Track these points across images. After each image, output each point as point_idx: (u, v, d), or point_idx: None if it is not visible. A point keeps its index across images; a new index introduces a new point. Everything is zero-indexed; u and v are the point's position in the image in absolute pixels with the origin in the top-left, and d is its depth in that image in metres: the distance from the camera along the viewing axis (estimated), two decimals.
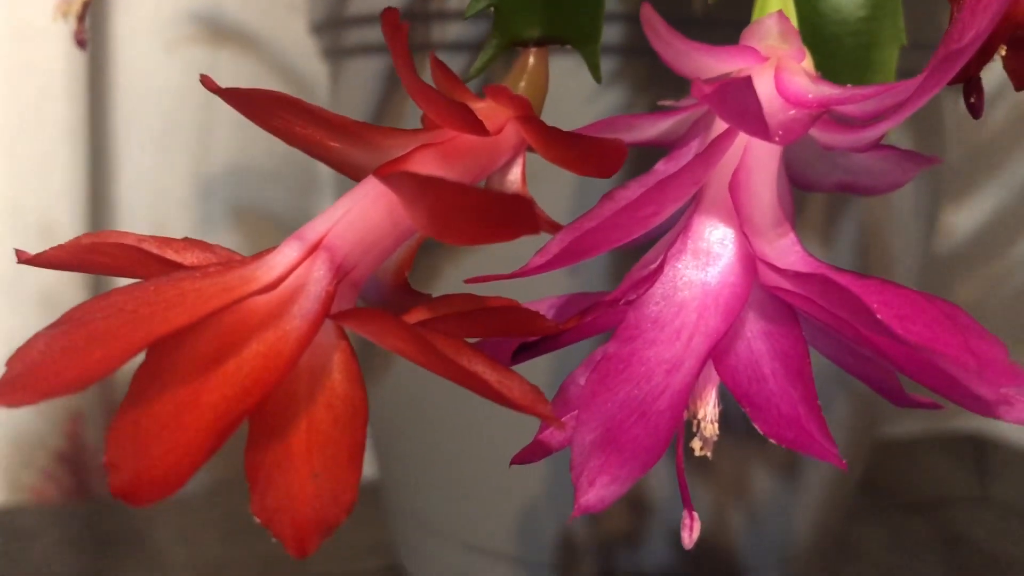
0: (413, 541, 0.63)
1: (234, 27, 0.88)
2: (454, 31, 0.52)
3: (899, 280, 0.59)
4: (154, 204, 0.86)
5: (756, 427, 0.24)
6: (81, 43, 0.45)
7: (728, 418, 0.54)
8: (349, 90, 0.59)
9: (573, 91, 0.49)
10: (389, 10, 0.25)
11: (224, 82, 0.83)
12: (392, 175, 0.23)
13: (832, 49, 0.36)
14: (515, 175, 0.29)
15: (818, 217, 0.54)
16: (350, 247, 0.25)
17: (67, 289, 0.80)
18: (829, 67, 0.37)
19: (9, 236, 0.80)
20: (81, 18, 0.44)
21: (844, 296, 0.23)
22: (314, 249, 0.24)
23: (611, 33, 0.48)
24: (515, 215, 0.20)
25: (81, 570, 0.64)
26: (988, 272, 0.97)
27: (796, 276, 0.24)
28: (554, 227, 0.28)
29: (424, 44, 0.54)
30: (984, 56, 0.28)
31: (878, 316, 0.22)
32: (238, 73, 0.88)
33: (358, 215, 0.25)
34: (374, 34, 0.56)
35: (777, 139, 0.23)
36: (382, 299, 0.28)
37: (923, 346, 0.21)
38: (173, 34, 0.85)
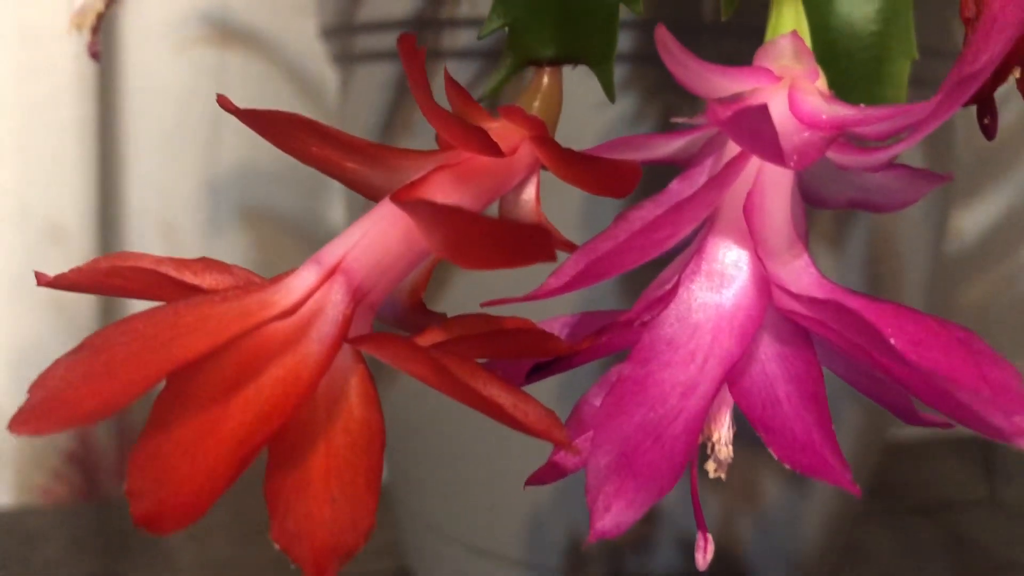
0: (421, 544, 0.64)
1: (242, 29, 0.88)
2: (465, 38, 0.52)
3: (909, 286, 0.59)
4: (163, 204, 0.86)
5: (771, 451, 0.25)
6: (95, 55, 0.45)
7: (735, 423, 0.54)
8: (359, 96, 0.59)
9: (582, 98, 0.49)
10: (406, 35, 0.25)
11: (232, 84, 0.83)
12: (409, 202, 0.23)
13: (844, 64, 0.36)
14: (529, 194, 0.29)
15: (828, 224, 0.54)
16: (367, 270, 0.25)
17: (79, 294, 0.80)
18: (841, 82, 0.37)
19: (19, 236, 0.80)
20: (95, 30, 0.44)
21: (858, 322, 0.23)
22: (332, 273, 0.25)
23: (621, 40, 0.48)
24: (531, 244, 0.20)
25: (91, 571, 0.65)
26: (996, 274, 0.97)
27: (810, 301, 0.24)
28: (569, 247, 0.28)
29: (435, 51, 0.54)
30: (998, 78, 0.28)
31: (892, 343, 0.22)
32: (246, 75, 0.88)
33: (375, 238, 0.25)
34: (384, 41, 0.56)
35: (792, 164, 0.24)
36: (397, 319, 0.28)
37: (938, 374, 0.22)
38: (182, 36, 0.85)
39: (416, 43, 0.25)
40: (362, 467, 0.23)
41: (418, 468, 0.62)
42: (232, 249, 0.87)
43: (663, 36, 0.27)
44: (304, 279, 0.24)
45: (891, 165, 0.30)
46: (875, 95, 0.36)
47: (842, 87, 0.37)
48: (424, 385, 0.23)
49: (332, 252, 0.25)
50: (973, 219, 0.95)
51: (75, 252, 0.81)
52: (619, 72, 0.51)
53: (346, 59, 0.61)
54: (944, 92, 0.25)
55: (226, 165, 0.87)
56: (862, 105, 0.30)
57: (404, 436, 0.62)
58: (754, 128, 0.23)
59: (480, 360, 0.27)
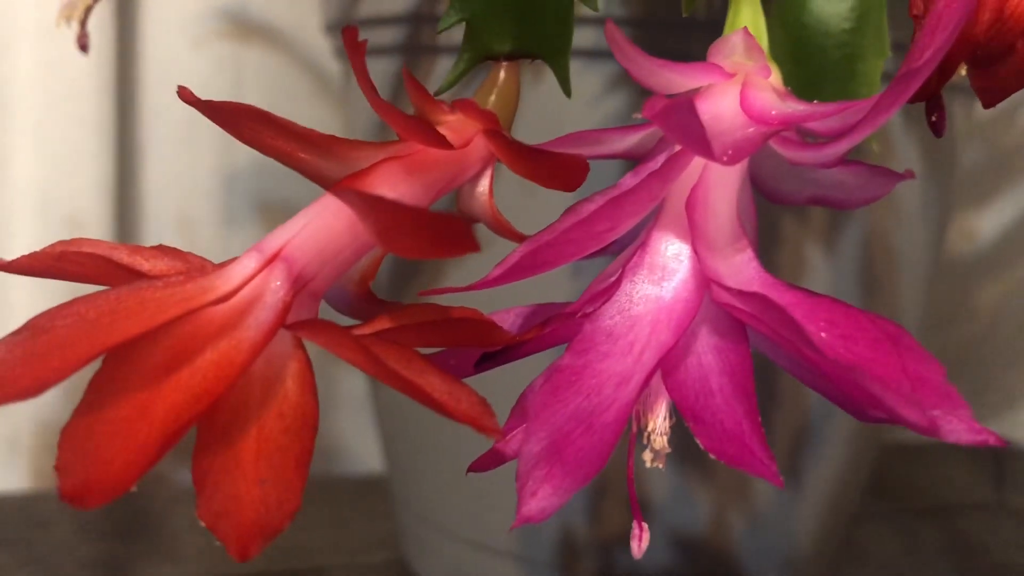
0: (418, 536, 0.64)
1: (259, 23, 0.89)
2: (461, 34, 0.53)
3: (906, 287, 0.59)
4: (180, 197, 0.87)
5: (698, 442, 0.25)
6: (84, 47, 0.46)
7: None
8: (359, 90, 0.60)
9: (577, 94, 0.49)
10: (349, 28, 0.26)
11: (249, 78, 0.84)
12: (343, 191, 0.23)
13: (817, 61, 0.36)
14: (483, 187, 0.30)
15: (822, 224, 0.54)
16: (309, 258, 0.26)
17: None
18: (814, 79, 0.37)
19: (39, 229, 0.81)
20: (84, 23, 0.45)
21: (782, 317, 0.23)
22: (272, 260, 0.25)
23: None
24: (454, 234, 0.20)
25: (99, 557, 0.66)
26: (1012, 276, 0.97)
27: (740, 294, 0.25)
28: (518, 238, 0.29)
29: (432, 47, 0.54)
30: (944, 75, 0.28)
31: (811, 336, 0.22)
32: (263, 68, 0.89)
33: (318, 227, 0.26)
34: (385, 36, 0.57)
35: (725, 159, 0.24)
36: (348, 307, 0.29)
37: (858, 368, 0.22)
38: (199, 30, 0.86)
39: (358, 36, 0.26)
40: (293, 451, 0.24)
41: (415, 460, 0.62)
42: (249, 242, 0.87)
43: (613, 33, 0.27)
44: (244, 266, 0.25)
45: (847, 162, 0.30)
46: (848, 93, 0.36)
47: (815, 85, 0.37)
48: None
49: (274, 240, 0.26)
50: (988, 221, 0.94)
51: None
52: (612, 68, 0.51)
53: (346, 55, 0.61)
54: (888, 88, 0.26)
55: (243, 159, 0.88)
56: (815, 101, 0.30)
57: (401, 428, 0.62)
58: (682, 123, 0.23)
59: (430, 349, 0.27)
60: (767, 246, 0.53)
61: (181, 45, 0.86)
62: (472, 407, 0.23)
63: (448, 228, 0.21)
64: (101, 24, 0.80)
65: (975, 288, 0.97)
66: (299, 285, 0.25)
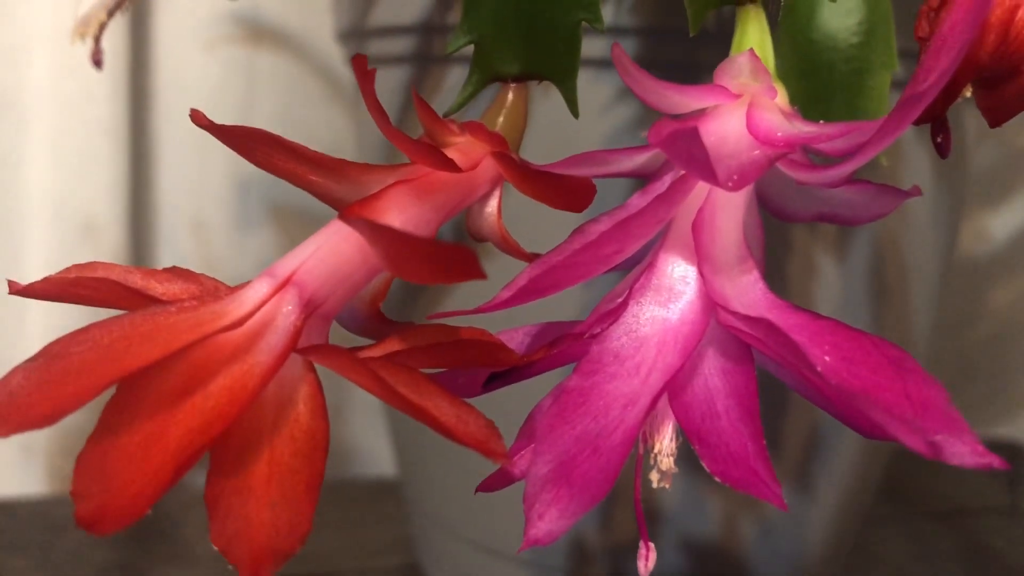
0: (430, 541, 0.65)
1: (272, 28, 0.89)
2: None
3: (917, 293, 0.59)
4: (193, 200, 0.87)
5: (703, 465, 0.25)
6: (98, 63, 0.47)
7: None
8: (345, 107, 0.60)
9: (587, 103, 0.50)
10: (359, 57, 0.26)
11: (261, 82, 0.84)
12: (351, 218, 0.24)
13: (825, 76, 0.37)
14: (492, 207, 0.30)
15: (832, 232, 0.54)
16: (320, 283, 0.26)
17: None
18: (823, 94, 0.37)
19: (54, 232, 0.82)
20: (98, 39, 0.46)
21: (785, 341, 0.23)
22: (284, 285, 0.26)
23: (624, 47, 0.49)
24: (458, 263, 0.21)
25: (115, 561, 0.66)
26: None
27: (745, 318, 0.25)
28: (528, 259, 0.29)
29: (444, 57, 0.54)
30: (950, 97, 0.28)
31: (814, 362, 0.22)
32: (275, 72, 0.89)
33: (329, 251, 0.26)
34: (395, 45, 0.57)
35: (730, 185, 0.24)
36: (359, 328, 0.29)
37: (860, 393, 0.22)
38: (212, 34, 0.87)
39: (368, 64, 0.26)
40: (304, 474, 0.24)
41: (428, 466, 0.63)
42: (261, 245, 0.88)
43: (619, 55, 0.27)
44: (256, 291, 0.25)
45: (854, 181, 0.30)
46: (857, 107, 0.37)
47: (824, 100, 0.37)
48: None
49: (286, 265, 0.26)
50: (1002, 221, 0.94)
51: (107, 248, 0.83)
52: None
53: None
54: (894, 110, 0.26)
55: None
56: (821, 122, 0.30)
57: (415, 434, 0.63)
58: (687, 150, 0.23)
59: (437, 370, 0.28)
60: (778, 254, 0.54)
61: (194, 50, 0.87)
62: (479, 430, 0.24)
63: (454, 257, 0.21)
64: (115, 31, 0.80)
65: (989, 289, 0.97)
66: (310, 309, 0.26)
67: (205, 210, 0.87)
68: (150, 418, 0.23)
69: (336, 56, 0.88)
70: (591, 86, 0.51)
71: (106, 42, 0.80)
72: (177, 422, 0.23)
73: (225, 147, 0.89)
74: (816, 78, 0.36)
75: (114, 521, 0.22)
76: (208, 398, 0.23)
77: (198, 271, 0.28)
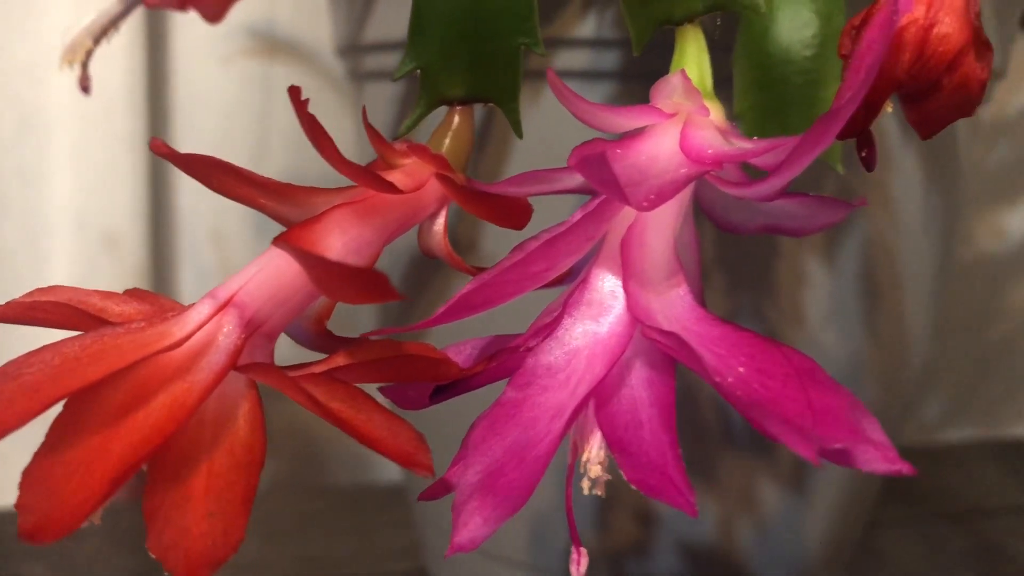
0: (437, 546, 0.66)
1: (288, 41, 0.91)
2: None
3: (912, 296, 0.59)
4: (212, 212, 0.89)
5: (622, 473, 0.26)
6: (85, 89, 0.48)
7: (733, 428, 0.55)
8: (370, 111, 0.61)
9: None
10: (293, 88, 0.27)
11: (277, 95, 0.86)
12: (285, 244, 0.25)
13: (780, 89, 0.37)
14: (439, 225, 0.31)
15: (820, 236, 0.54)
16: (260, 303, 0.27)
17: None
18: (778, 107, 0.38)
19: (76, 245, 0.84)
20: (85, 65, 0.48)
21: (691, 354, 0.24)
22: (224, 306, 0.27)
23: (608, 59, 0.50)
24: (376, 287, 0.22)
25: (132, 567, 0.68)
26: None
27: (658, 331, 0.26)
28: (472, 272, 0.30)
29: None
30: (871, 112, 0.29)
31: (714, 375, 0.23)
32: (291, 83, 0.90)
33: (270, 273, 0.28)
34: (389, 60, 0.58)
35: (645, 205, 0.25)
36: (309, 344, 0.31)
37: (757, 404, 0.23)
38: (228, 48, 0.89)
39: (301, 95, 0.27)
40: (240, 486, 0.26)
41: (436, 473, 0.64)
42: None
43: (554, 80, 0.28)
44: (199, 312, 0.27)
45: (792, 194, 0.31)
46: (812, 119, 0.37)
47: (779, 112, 0.38)
48: None
49: (228, 287, 0.28)
50: (1018, 220, 0.94)
51: (128, 259, 0.85)
52: (607, 89, 0.52)
53: (357, 76, 0.63)
54: (813, 127, 0.27)
55: (273, 174, 0.90)
56: (754, 138, 0.31)
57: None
58: (598, 173, 0.24)
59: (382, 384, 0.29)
60: (766, 258, 0.54)
61: (211, 65, 0.88)
62: (408, 443, 0.25)
63: (371, 281, 0.22)
64: (132, 45, 0.83)
65: (1005, 288, 0.97)
66: (251, 328, 0.27)
67: (224, 221, 0.89)
68: (94, 434, 0.24)
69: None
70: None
71: (124, 59, 0.82)
72: (119, 438, 0.24)
73: (242, 159, 0.91)
74: (772, 91, 0.37)
75: (54, 532, 0.23)
76: (149, 415, 0.25)
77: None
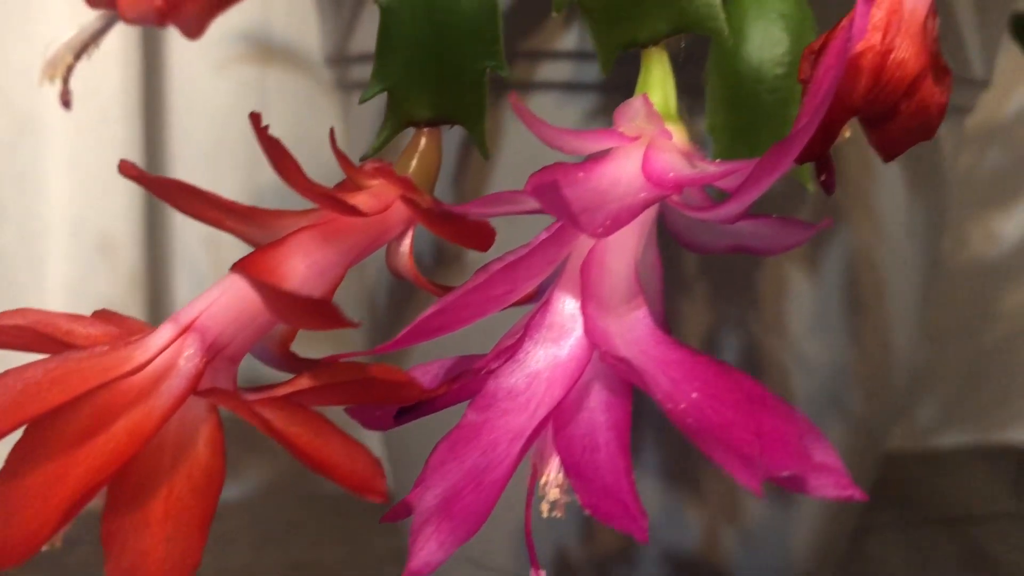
0: None
1: (283, 47, 0.91)
2: None
3: (896, 306, 0.59)
4: None
5: (577, 498, 0.26)
6: (66, 104, 0.49)
7: None
8: (357, 121, 0.62)
9: (559, 125, 0.51)
10: (254, 114, 0.28)
11: (273, 101, 0.86)
12: (238, 270, 0.25)
13: (752, 106, 0.37)
14: (405, 247, 0.32)
15: (804, 247, 0.55)
16: (222, 327, 0.28)
17: (128, 302, 0.85)
18: (749, 126, 0.38)
19: (72, 249, 0.85)
20: (65, 80, 0.48)
21: (642, 379, 0.25)
22: (185, 331, 0.27)
23: (591, 71, 0.50)
24: (324, 316, 0.22)
25: None
26: None
27: (614, 356, 0.26)
28: (437, 292, 0.30)
29: None
30: (828, 137, 0.29)
31: (664, 401, 0.23)
32: (286, 92, 0.91)
33: (231, 298, 0.28)
34: None
35: (600, 232, 0.25)
36: (275, 365, 0.31)
37: (712, 430, 0.23)
38: (223, 54, 0.89)
39: (261, 121, 0.28)
40: (198, 510, 0.26)
41: None
42: None
43: (517, 105, 0.28)
44: (160, 336, 0.27)
45: (755, 216, 0.31)
46: (782, 137, 0.37)
47: (751, 131, 0.38)
48: None
49: (189, 311, 0.28)
50: (1012, 224, 0.94)
51: (123, 264, 0.86)
52: (589, 101, 0.52)
53: (344, 86, 0.64)
54: (770, 151, 0.27)
55: (268, 180, 0.91)
56: (717, 161, 0.31)
57: (406, 452, 0.64)
58: (552, 201, 0.24)
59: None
60: (748, 268, 0.54)
61: (206, 70, 0.89)
62: (365, 468, 0.25)
63: (322, 311, 0.23)
64: (127, 51, 0.83)
65: (998, 292, 0.97)
66: (213, 353, 0.27)
67: None
68: (54, 459, 0.25)
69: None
70: (560, 109, 0.52)
71: (121, 66, 0.83)
72: (78, 463, 0.25)
73: (236, 163, 0.91)
74: (743, 109, 0.37)
75: (13, 557, 0.23)
76: (109, 440, 0.25)
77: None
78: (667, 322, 0.32)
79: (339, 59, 0.62)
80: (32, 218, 0.84)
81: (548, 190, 0.24)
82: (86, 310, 0.86)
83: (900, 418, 0.93)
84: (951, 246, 0.94)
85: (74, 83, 0.83)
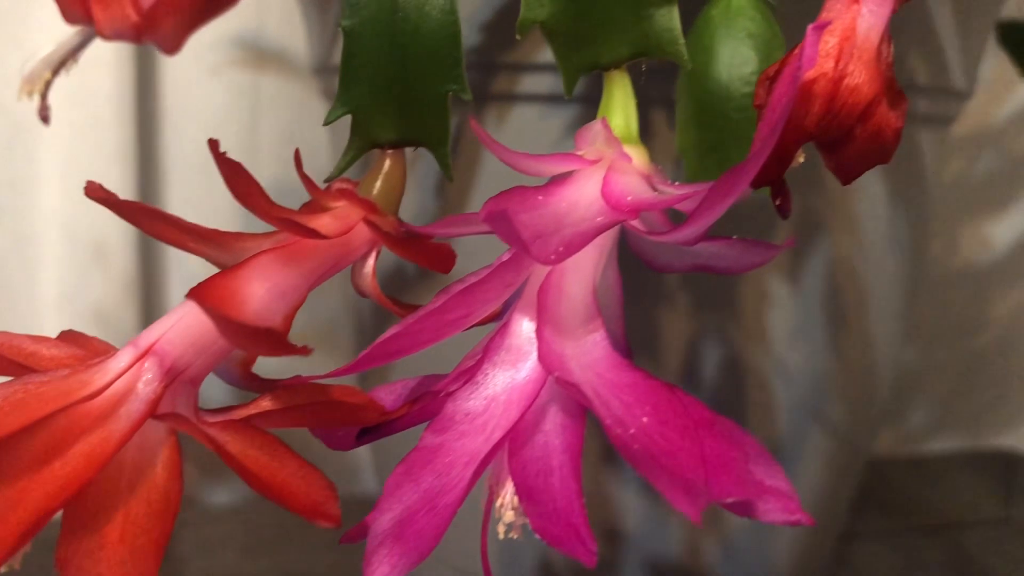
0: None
1: (276, 52, 0.91)
2: None
3: (879, 311, 0.59)
4: (200, 222, 0.90)
5: (525, 521, 0.26)
6: (45, 119, 0.49)
7: None
8: (344, 131, 0.62)
9: (538, 138, 0.51)
10: (212, 140, 0.28)
11: (266, 106, 0.87)
12: (193, 296, 0.26)
13: (720, 126, 0.38)
14: (368, 268, 0.32)
15: (783, 256, 0.55)
16: (181, 351, 0.28)
17: (121, 307, 0.85)
18: (718, 144, 0.38)
19: (65, 255, 0.85)
20: (44, 95, 0.48)
21: (592, 404, 0.25)
22: (144, 354, 0.28)
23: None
24: (269, 343, 0.23)
25: None
26: None
27: (565, 381, 0.26)
28: (400, 313, 0.31)
29: None
30: (783, 162, 0.29)
31: (617, 428, 0.24)
32: (280, 97, 0.91)
33: (190, 321, 0.28)
34: None
35: (552, 258, 0.25)
36: (239, 386, 0.31)
37: (641, 458, 0.23)
38: (217, 58, 0.89)
39: (219, 147, 0.28)
40: (155, 533, 0.26)
41: None
42: None
43: (477, 130, 0.29)
44: (119, 360, 0.27)
45: (717, 237, 0.31)
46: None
47: (719, 149, 0.39)
48: None
49: (149, 335, 0.28)
50: (1003, 230, 0.94)
51: (117, 268, 0.86)
52: (572, 113, 0.53)
53: (331, 96, 0.64)
54: (724, 176, 0.27)
55: (261, 183, 0.91)
56: (676, 184, 0.31)
57: (392, 456, 0.65)
58: (503, 230, 0.25)
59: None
60: (730, 279, 0.55)
61: (200, 75, 0.89)
62: (319, 492, 0.26)
63: (269, 338, 0.23)
64: (120, 55, 0.83)
65: (990, 298, 0.97)
66: (172, 376, 0.28)
67: None
68: (10, 484, 0.25)
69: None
70: (541, 121, 0.53)
71: (115, 69, 0.83)
72: (35, 487, 0.25)
73: None
74: (712, 128, 0.38)
75: None
76: (66, 464, 0.25)
77: None
78: (628, 341, 0.33)
79: (324, 69, 0.63)
80: (25, 223, 0.85)
81: (499, 218, 0.24)
82: (80, 316, 0.86)
83: (883, 426, 0.93)
84: (942, 251, 0.94)
85: (66, 86, 0.84)
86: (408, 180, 0.54)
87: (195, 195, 0.90)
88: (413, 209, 0.56)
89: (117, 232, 0.86)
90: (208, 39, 0.88)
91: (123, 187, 0.85)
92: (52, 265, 0.85)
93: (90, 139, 0.85)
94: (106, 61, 0.83)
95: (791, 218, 0.55)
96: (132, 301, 0.86)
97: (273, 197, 0.89)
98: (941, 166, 0.62)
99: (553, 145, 0.53)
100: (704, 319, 0.55)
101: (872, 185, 0.56)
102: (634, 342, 0.54)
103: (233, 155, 0.94)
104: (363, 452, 0.91)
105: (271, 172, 0.90)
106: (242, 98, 0.90)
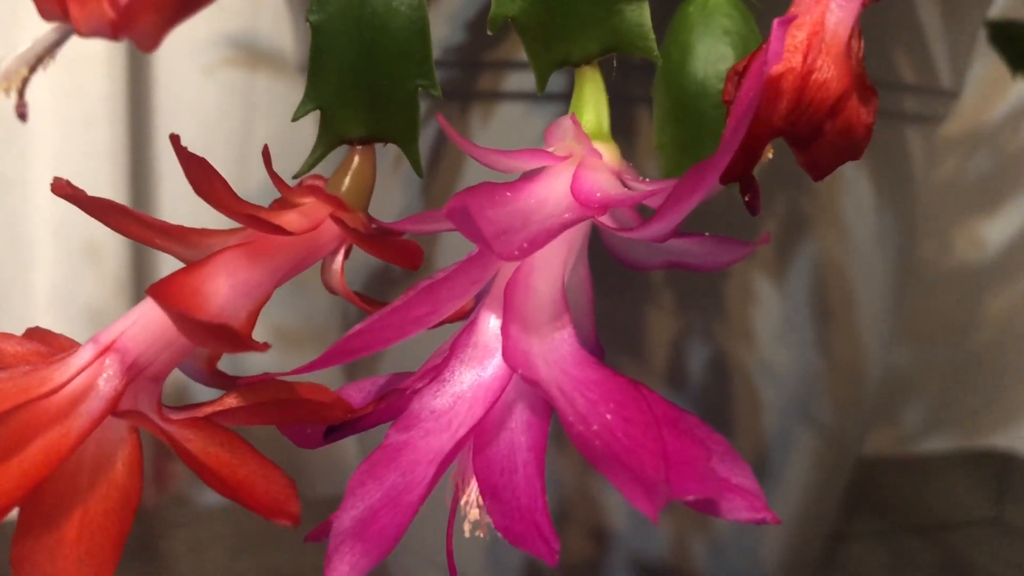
0: (398, 560, 0.66)
1: (270, 50, 0.91)
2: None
3: (866, 310, 0.59)
4: (193, 221, 0.89)
5: (490, 519, 0.26)
6: (22, 116, 0.49)
7: None
8: None
9: (524, 135, 0.51)
10: (173, 135, 0.28)
11: (260, 104, 0.86)
12: (151, 292, 0.25)
13: (696, 122, 0.37)
14: (337, 264, 0.32)
15: (769, 255, 0.55)
16: (142, 348, 0.28)
17: (114, 306, 0.85)
18: (694, 140, 0.38)
19: (57, 254, 0.85)
20: (21, 93, 0.48)
21: (556, 402, 0.25)
22: (105, 351, 0.27)
23: (558, 81, 0.50)
24: (227, 340, 0.22)
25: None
26: (1020, 285, 0.95)
27: (530, 380, 0.26)
28: (368, 309, 0.30)
29: None
30: (750, 158, 0.29)
31: (579, 426, 0.23)
32: (273, 94, 0.91)
33: (152, 319, 0.28)
34: None
35: (516, 254, 0.25)
36: (205, 383, 0.31)
37: (616, 455, 0.23)
38: (210, 58, 0.89)
39: (180, 143, 0.28)
40: (113, 531, 0.26)
41: None
42: None
43: (445, 126, 0.28)
44: (80, 357, 0.27)
45: (688, 234, 0.31)
46: None
47: (696, 145, 0.38)
48: None
49: (110, 332, 0.28)
50: (996, 229, 0.93)
51: (109, 268, 0.86)
52: (556, 110, 0.52)
53: None
54: (689, 172, 0.27)
55: (255, 184, 0.91)
56: (645, 180, 0.31)
57: None
58: (465, 227, 0.24)
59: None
60: (715, 276, 0.54)
61: (193, 74, 0.89)
62: (280, 491, 0.25)
63: (227, 335, 0.23)
64: (113, 54, 0.83)
65: (983, 297, 0.96)
66: (133, 373, 0.27)
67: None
68: None
69: None
70: (526, 118, 0.52)
71: (107, 68, 0.83)
72: None
73: (223, 168, 0.91)
74: (688, 124, 0.37)
75: None
76: (23, 461, 0.25)
77: None
78: (599, 338, 0.32)
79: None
80: (17, 222, 0.85)
81: (460, 214, 0.24)
82: (72, 314, 0.86)
83: (876, 426, 0.93)
84: (935, 252, 0.94)
85: (58, 85, 0.83)
86: (393, 179, 0.54)
87: (188, 194, 0.89)
88: (398, 207, 0.56)
89: (109, 231, 0.85)
90: (201, 38, 0.88)
91: (115, 185, 0.85)
92: (44, 264, 0.85)
93: (83, 138, 0.85)
94: (98, 59, 0.83)
95: (777, 217, 0.55)
96: (124, 300, 0.86)
97: (267, 196, 0.89)
98: (930, 165, 0.62)
99: (538, 142, 0.53)
100: (690, 318, 0.55)
101: (859, 184, 0.56)
102: (620, 341, 0.53)
103: (226, 154, 0.93)
104: (351, 452, 0.91)
105: (264, 170, 0.90)
106: (235, 97, 0.90)
